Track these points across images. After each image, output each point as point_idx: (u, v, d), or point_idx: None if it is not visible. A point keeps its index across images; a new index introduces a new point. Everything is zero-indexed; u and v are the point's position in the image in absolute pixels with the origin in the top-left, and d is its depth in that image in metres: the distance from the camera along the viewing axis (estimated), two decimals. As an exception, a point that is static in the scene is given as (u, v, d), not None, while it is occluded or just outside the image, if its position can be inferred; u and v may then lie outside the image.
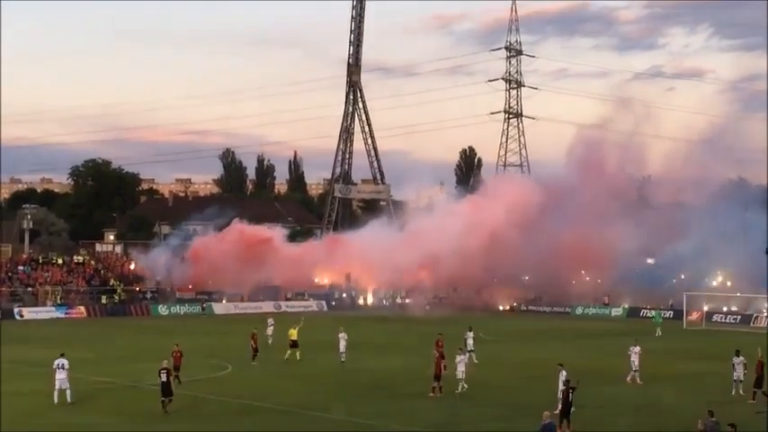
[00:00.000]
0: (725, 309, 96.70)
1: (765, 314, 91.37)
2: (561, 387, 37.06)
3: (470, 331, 57.14)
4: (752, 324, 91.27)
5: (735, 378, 44.93)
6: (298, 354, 55.95)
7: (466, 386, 43.93)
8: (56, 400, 40.07)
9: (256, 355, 55.22)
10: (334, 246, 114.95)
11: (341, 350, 55.43)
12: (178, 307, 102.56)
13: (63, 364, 40.38)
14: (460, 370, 44.31)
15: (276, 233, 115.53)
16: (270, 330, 65.98)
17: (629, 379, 48.20)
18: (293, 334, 56.82)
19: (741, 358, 45.19)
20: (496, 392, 45.18)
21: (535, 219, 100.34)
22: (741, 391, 43.95)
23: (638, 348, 48.67)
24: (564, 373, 38.38)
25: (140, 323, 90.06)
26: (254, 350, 55.50)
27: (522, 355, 62.64)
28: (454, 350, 45.79)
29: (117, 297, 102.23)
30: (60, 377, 40.14)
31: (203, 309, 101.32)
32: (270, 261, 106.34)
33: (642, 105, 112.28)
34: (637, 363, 48.23)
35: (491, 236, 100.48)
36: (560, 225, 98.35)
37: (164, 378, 38.87)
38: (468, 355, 47.98)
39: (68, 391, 40.17)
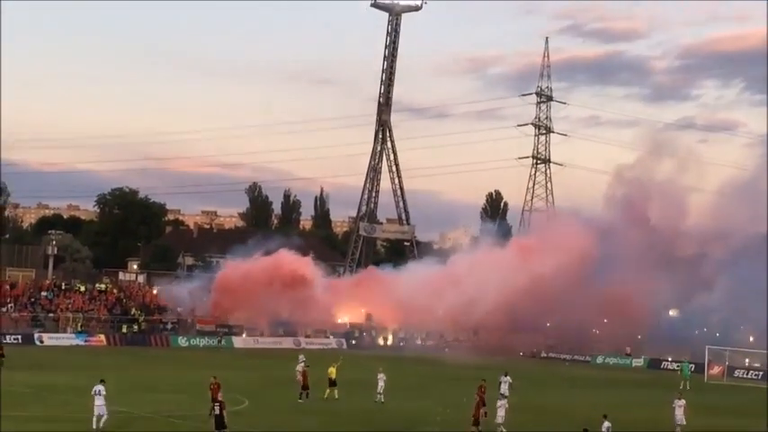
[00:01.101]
0: (747, 364, 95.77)
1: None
2: None
3: (506, 376, 56.76)
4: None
5: None
6: (336, 392, 55.71)
7: (504, 431, 43.71)
8: (93, 425, 40.38)
9: (305, 391, 54.93)
10: (368, 282, 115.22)
11: (379, 390, 55.33)
12: (198, 339, 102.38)
13: (100, 390, 40.89)
14: (500, 415, 44.11)
15: (312, 266, 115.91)
16: (300, 367, 65.74)
17: None
18: (332, 372, 56.59)
19: None
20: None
21: (580, 266, 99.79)
22: None
23: (682, 402, 48.09)
24: (607, 423, 38.07)
25: (159, 354, 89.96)
26: (304, 387, 55.17)
27: (549, 401, 61.97)
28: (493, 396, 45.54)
29: (137, 327, 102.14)
30: (98, 404, 40.65)
31: (220, 341, 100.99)
32: (304, 294, 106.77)
33: (676, 156, 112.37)
34: (680, 416, 47.54)
35: (532, 282, 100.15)
36: (602, 273, 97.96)
37: (217, 411, 39.02)
38: (506, 400, 47.41)
39: (103, 418, 40.55)
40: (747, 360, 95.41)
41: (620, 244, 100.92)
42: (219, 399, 39.41)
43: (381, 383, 55.66)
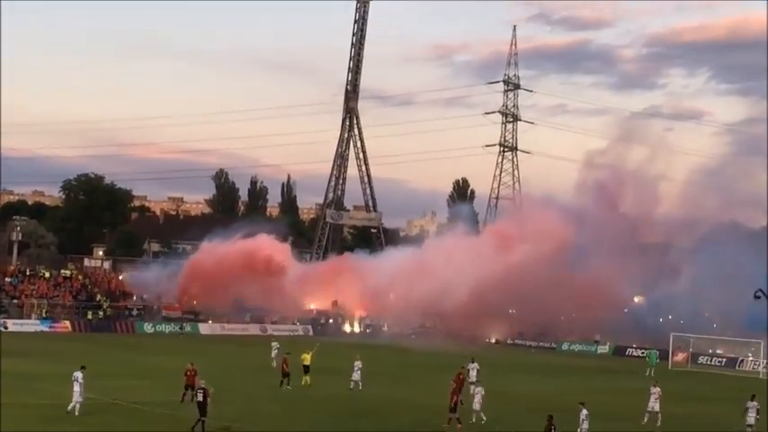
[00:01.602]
0: (711, 351, 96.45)
1: (751, 358, 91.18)
2: (585, 426, 37.58)
3: (473, 362, 56.69)
4: (737, 368, 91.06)
5: (748, 423, 44.49)
6: (308, 379, 55.75)
7: (484, 418, 43.66)
8: (69, 408, 40.77)
9: (286, 378, 54.76)
10: (341, 268, 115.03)
11: (355, 378, 55.40)
12: (164, 326, 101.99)
13: (77, 377, 41.13)
14: (477, 401, 44.14)
15: (289, 253, 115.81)
16: (275, 354, 65.84)
17: (644, 420, 47.60)
18: (306, 359, 56.67)
19: (755, 403, 44.67)
20: (489, 425, 44.74)
21: (555, 253, 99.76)
22: None
23: (657, 389, 48.09)
24: (585, 411, 38.04)
25: (125, 340, 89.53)
26: (285, 374, 54.94)
27: (514, 388, 62.08)
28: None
29: (102, 313, 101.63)
30: (76, 390, 40.96)
31: (182, 329, 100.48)
32: (278, 282, 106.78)
33: (645, 143, 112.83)
34: (653, 404, 47.51)
35: (507, 269, 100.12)
36: (575, 260, 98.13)
37: (200, 398, 38.87)
38: (482, 387, 47.07)
39: (77, 405, 40.76)
40: (710, 348, 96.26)
41: (592, 231, 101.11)
42: (203, 386, 39.17)
43: (357, 371, 55.71)
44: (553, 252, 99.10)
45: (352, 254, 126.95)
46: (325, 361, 60.87)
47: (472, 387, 45.06)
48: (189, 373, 46.07)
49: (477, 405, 44.22)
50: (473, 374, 54.95)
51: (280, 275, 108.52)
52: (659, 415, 47.48)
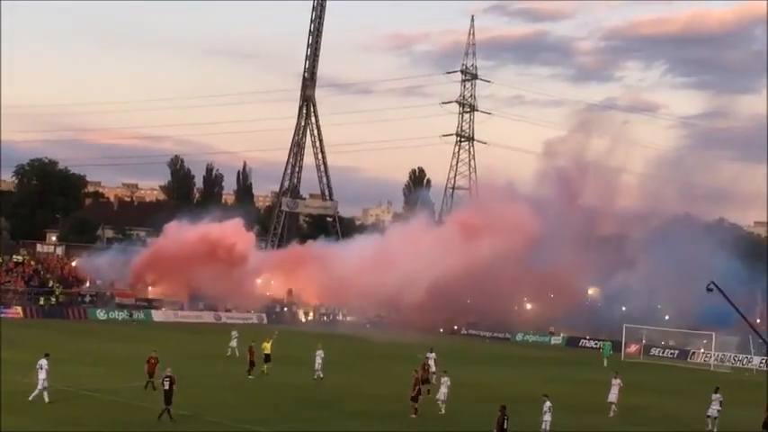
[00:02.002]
0: (663, 343, 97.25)
1: (703, 350, 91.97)
2: (547, 418, 37.52)
3: (431, 353, 56.77)
4: (689, 359, 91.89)
5: (709, 414, 44.77)
6: (267, 367, 55.62)
7: (442, 411, 43.68)
8: (31, 396, 40.55)
9: (253, 368, 54.70)
10: (296, 256, 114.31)
11: (317, 366, 55.29)
12: (117, 312, 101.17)
13: (42, 365, 40.89)
14: (443, 392, 44.21)
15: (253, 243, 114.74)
16: (234, 342, 65.50)
17: (611, 413, 47.97)
18: (267, 347, 56.48)
19: (719, 395, 45.00)
20: (439, 415, 44.69)
21: (522, 245, 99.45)
22: (716, 429, 43.89)
23: (618, 380, 48.56)
24: (548, 403, 37.94)
25: (77, 327, 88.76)
26: (252, 363, 54.81)
27: (468, 378, 62.10)
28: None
29: (55, 299, 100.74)
30: (41, 377, 40.69)
31: (131, 316, 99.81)
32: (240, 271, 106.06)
33: (605, 135, 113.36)
34: (614, 394, 47.95)
35: (471, 261, 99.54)
36: (537, 252, 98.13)
37: (166, 386, 38.65)
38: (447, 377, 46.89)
39: (45, 392, 40.58)
40: (662, 340, 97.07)
41: (553, 222, 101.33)
42: (169, 374, 38.90)
43: (319, 360, 55.60)
44: (517, 244, 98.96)
45: (314, 242, 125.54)
46: (282, 350, 60.66)
47: (434, 376, 45.13)
48: (152, 361, 45.77)
49: (442, 395, 44.30)
50: (431, 364, 54.94)
51: (240, 264, 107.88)
52: (614, 406, 47.76)
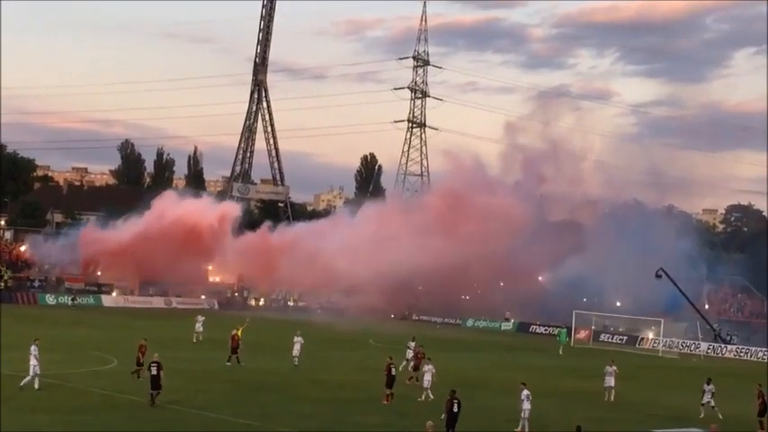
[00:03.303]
0: (612, 329, 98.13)
1: (651, 336, 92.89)
2: (526, 406, 37.27)
3: (413, 341, 56.93)
4: (637, 345, 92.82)
5: (704, 402, 45.67)
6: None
7: (432, 396, 43.65)
8: (21, 383, 40.41)
9: (235, 355, 54.45)
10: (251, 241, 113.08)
11: (294, 353, 55.40)
12: (66, 297, 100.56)
13: (33, 350, 40.77)
14: (427, 379, 44.37)
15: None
16: (199, 327, 65.32)
17: (605, 398, 49.21)
18: (238, 335, 56.16)
19: (711, 386, 45.89)
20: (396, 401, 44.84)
21: (507, 233, 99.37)
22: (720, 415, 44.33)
23: (614, 368, 49.84)
24: (526, 391, 37.82)
25: (26, 312, 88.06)
26: (234, 350, 54.55)
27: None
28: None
29: (3, 284, 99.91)
30: (32, 363, 40.62)
31: (74, 300, 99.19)
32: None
33: (549, 123, 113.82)
34: (612, 382, 49.36)
35: (453, 252, 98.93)
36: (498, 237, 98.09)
37: (153, 371, 38.57)
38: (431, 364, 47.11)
39: (37, 378, 40.48)
40: (612, 326, 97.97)
41: (527, 209, 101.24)
42: (156, 360, 38.77)
43: (298, 346, 55.66)
44: (500, 233, 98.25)
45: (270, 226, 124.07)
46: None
47: (425, 365, 45.49)
48: (142, 348, 45.52)
49: (426, 383, 44.46)
50: (409, 353, 55.03)
51: (212, 253, 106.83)
52: (612, 390, 49.38)
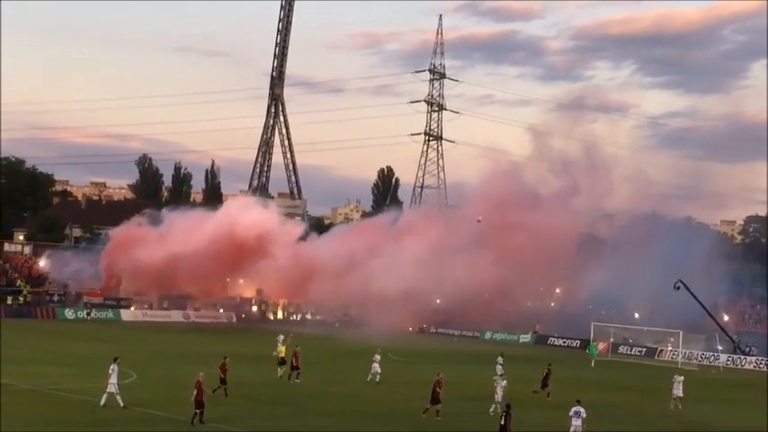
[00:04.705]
0: (631, 341, 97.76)
1: (670, 348, 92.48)
2: (576, 422, 36.85)
3: (501, 357, 56.95)
4: (656, 357, 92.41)
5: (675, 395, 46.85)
6: (282, 370, 54.99)
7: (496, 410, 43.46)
8: (102, 402, 40.26)
9: (295, 372, 53.83)
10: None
11: (373, 371, 55.47)
12: (84, 312, 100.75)
13: (113, 369, 40.72)
14: (499, 393, 44.41)
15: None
16: (280, 345, 63.71)
17: (672, 406, 50.77)
18: (282, 351, 56.19)
19: (681, 377, 49.29)
20: (403, 414, 44.75)
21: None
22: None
23: (681, 378, 51.59)
24: (575, 408, 37.21)
25: (45, 326, 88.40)
26: (294, 367, 53.96)
27: (430, 375, 62.18)
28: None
29: (23, 298, 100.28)
30: (111, 381, 40.49)
31: (88, 315, 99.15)
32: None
33: (570, 135, 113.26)
34: (680, 391, 51.11)
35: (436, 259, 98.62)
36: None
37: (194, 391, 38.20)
38: (501, 379, 46.99)
39: (118, 396, 40.40)
40: (630, 338, 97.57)
41: (562, 221, 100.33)
42: (200, 379, 38.44)
43: (376, 365, 55.74)
44: (547, 249, 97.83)
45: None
46: (258, 349, 60.43)
47: (499, 380, 45.66)
48: (224, 366, 45.59)
49: (498, 397, 44.41)
50: (499, 369, 55.75)
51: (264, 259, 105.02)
52: (678, 400, 51.12)
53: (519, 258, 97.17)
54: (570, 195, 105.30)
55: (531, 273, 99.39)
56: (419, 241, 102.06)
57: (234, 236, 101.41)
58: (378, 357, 56.38)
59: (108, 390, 40.45)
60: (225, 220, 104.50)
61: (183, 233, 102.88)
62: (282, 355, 56.08)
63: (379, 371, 55.73)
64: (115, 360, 41.19)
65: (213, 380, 43.03)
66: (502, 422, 34.66)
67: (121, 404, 40.17)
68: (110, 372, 40.71)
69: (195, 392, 37.81)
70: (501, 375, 47.55)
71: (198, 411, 37.67)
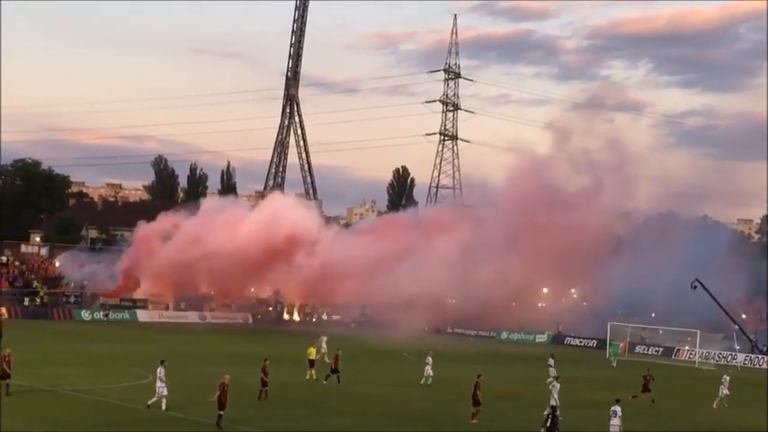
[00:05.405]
0: (648, 340, 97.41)
1: (687, 348, 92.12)
2: (615, 422, 36.83)
3: (552, 358, 57.90)
4: (673, 357, 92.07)
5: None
6: (313, 373, 54.55)
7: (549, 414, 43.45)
8: (163, 406, 40.55)
9: (335, 375, 53.83)
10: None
11: (426, 374, 55.45)
12: (101, 313, 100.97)
13: (159, 372, 41.08)
14: (554, 396, 44.28)
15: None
16: (324, 349, 62.77)
17: (715, 405, 52.36)
18: (312, 353, 55.88)
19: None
20: (421, 414, 44.66)
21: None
22: None
23: (727, 378, 54.09)
24: (614, 408, 37.24)
25: (62, 327, 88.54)
26: (334, 370, 54.03)
27: (450, 375, 61.97)
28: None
29: (39, 300, 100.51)
30: (159, 385, 40.82)
31: (106, 316, 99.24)
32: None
33: (582, 135, 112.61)
34: (725, 390, 53.17)
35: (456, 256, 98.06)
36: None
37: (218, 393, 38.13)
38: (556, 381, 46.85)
39: (164, 400, 40.68)
40: (647, 338, 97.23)
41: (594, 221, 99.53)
42: (224, 381, 38.39)
43: (429, 368, 55.60)
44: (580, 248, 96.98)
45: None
46: (269, 349, 60.35)
47: (552, 381, 45.66)
48: (265, 368, 45.71)
49: (553, 401, 44.21)
50: (552, 371, 56.18)
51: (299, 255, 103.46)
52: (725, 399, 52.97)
53: (551, 260, 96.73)
54: (596, 194, 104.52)
55: (563, 275, 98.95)
56: (449, 242, 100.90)
57: (273, 239, 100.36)
58: (430, 360, 56.13)
59: (161, 393, 40.69)
60: (267, 223, 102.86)
61: (220, 231, 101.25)
62: (312, 357, 55.57)
63: (431, 373, 55.55)
64: (162, 363, 41.37)
65: (237, 381, 42.88)
66: (548, 424, 34.87)
67: (164, 407, 40.38)
68: (158, 375, 40.98)
69: (219, 393, 37.73)
70: (556, 378, 47.11)
71: (221, 413, 37.59)
